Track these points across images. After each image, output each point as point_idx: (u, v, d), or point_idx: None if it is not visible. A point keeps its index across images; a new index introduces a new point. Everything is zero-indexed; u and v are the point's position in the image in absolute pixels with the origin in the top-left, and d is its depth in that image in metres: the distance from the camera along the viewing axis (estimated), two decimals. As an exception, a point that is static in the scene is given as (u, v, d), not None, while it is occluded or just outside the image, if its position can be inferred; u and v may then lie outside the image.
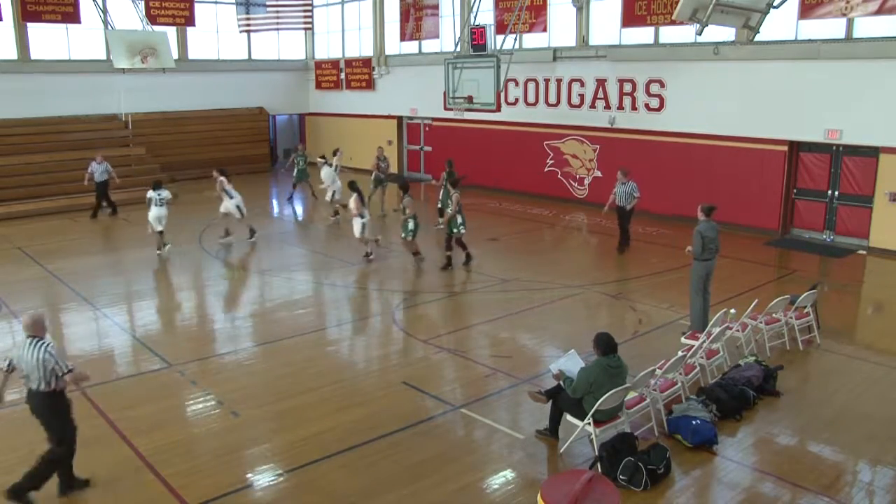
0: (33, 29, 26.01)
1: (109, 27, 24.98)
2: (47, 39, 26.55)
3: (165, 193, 17.04)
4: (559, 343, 11.44)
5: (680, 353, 9.08)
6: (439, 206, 19.01)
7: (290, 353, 11.17)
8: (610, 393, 7.49)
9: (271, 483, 7.61)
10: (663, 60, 19.80)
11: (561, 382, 7.94)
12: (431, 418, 8.89)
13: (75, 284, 14.66)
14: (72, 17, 25.25)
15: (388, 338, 11.98)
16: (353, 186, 16.54)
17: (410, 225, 15.32)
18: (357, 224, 16.04)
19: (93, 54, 27.35)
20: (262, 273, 15.70)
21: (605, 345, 7.69)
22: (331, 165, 21.17)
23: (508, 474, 7.69)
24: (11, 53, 26.00)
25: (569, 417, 7.96)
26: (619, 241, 16.94)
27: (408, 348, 11.38)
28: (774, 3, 13.26)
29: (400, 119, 28.90)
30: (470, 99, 20.52)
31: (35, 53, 26.43)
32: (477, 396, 9.41)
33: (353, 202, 16.04)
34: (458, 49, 22.28)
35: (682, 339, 10.70)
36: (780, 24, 16.79)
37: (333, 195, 20.86)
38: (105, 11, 25.07)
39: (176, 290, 14.91)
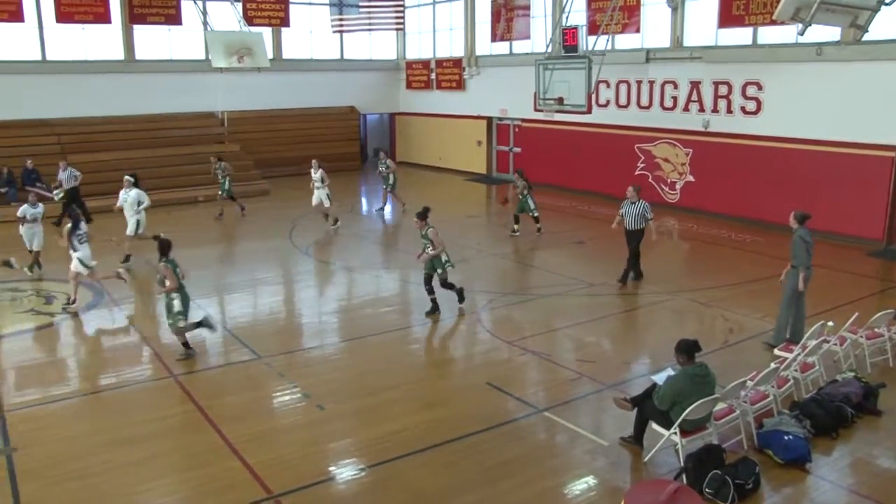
0: (138, 31, 27.14)
1: (208, 28, 25.86)
2: (151, 40, 27.67)
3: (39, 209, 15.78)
4: (646, 350, 11.26)
5: (773, 366, 8.78)
6: (517, 213, 18.74)
7: (375, 349, 11.33)
8: (697, 403, 7.32)
9: (353, 477, 7.73)
10: (761, 62, 19.20)
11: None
12: (514, 420, 8.85)
13: (172, 275, 15.17)
14: (174, 18, 26.29)
15: (472, 338, 12.00)
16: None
17: (444, 257, 12.65)
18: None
19: (192, 54, 28.33)
20: (349, 270, 15.94)
21: (687, 350, 7.51)
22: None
23: (590, 480, 7.60)
24: (118, 54, 27.21)
25: (654, 426, 7.81)
26: (625, 268, 14.42)
27: (492, 349, 11.37)
28: (887, 0, 12.62)
29: (489, 120, 28.89)
30: (560, 100, 20.35)
31: (139, 54, 27.58)
32: (560, 400, 9.33)
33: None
34: (550, 50, 22.12)
35: (776, 351, 10.35)
36: (890, 22, 16.01)
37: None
38: (205, 13, 25.97)
39: (265, 285, 15.27)
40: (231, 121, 28.55)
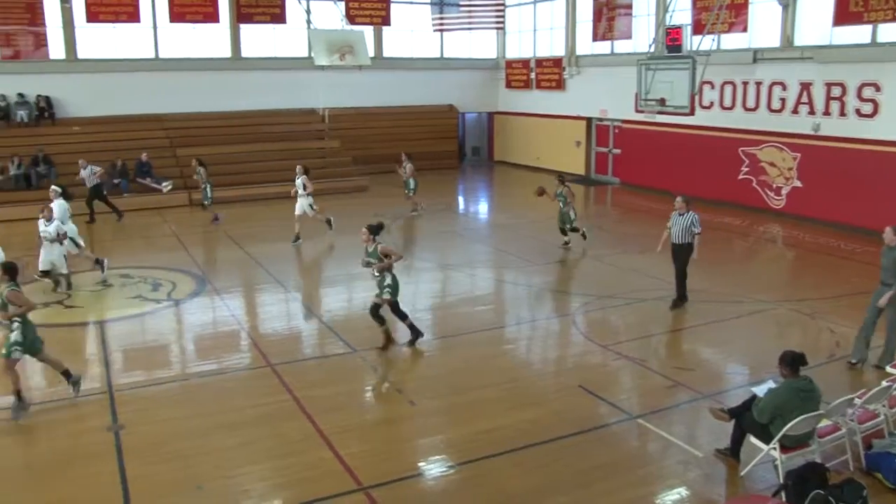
0: (245, 29, 28.04)
1: (312, 27, 26.46)
2: (257, 39, 28.52)
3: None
4: (746, 360, 10.90)
5: (884, 384, 8.33)
6: (560, 225, 17.28)
7: (468, 348, 11.35)
8: (801, 418, 7.01)
9: (442, 474, 7.76)
10: (880, 62, 18.25)
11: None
12: (606, 425, 8.72)
13: (270, 267, 15.60)
14: (279, 17, 27.16)
15: (566, 340, 11.88)
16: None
17: (388, 280, 11.00)
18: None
19: (296, 52, 29.03)
20: (444, 268, 16.01)
21: (793, 363, 7.21)
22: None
23: (683, 492, 7.40)
24: (226, 52, 28.16)
25: (752, 439, 7.53)
26: (677, 292, 13.11)
27: (586, 352, 11.22)
28: None
29: (589, 120, 28.54)
30: (662, 101, 19.92)
31: (245, 52, 28.46)
32: (654, 407, 9.12)
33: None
34: (652, 50, 21.67)
35: (888, 368, 9.82)
36: None
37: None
38: (308, 12, 26.59)
39: (360, 280, 15.43)
40: (332, 117, 29.12)
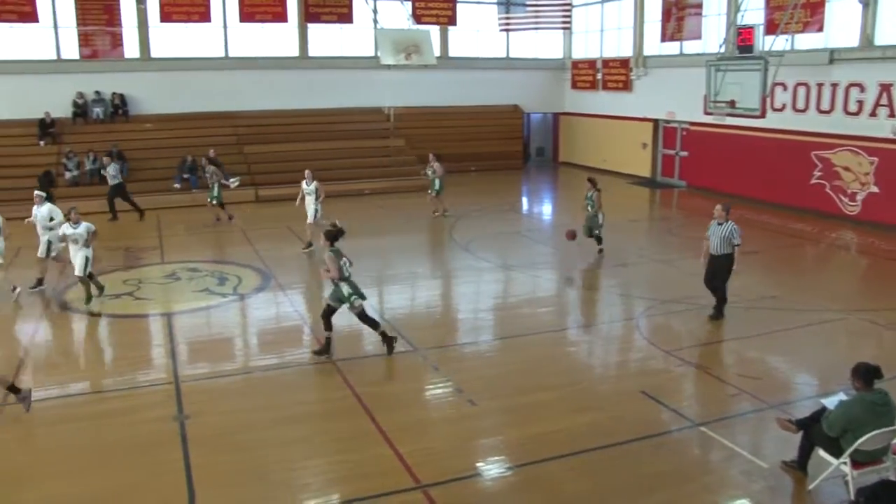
0: (312, 29, 28.42)
1: (378, 26, 26.68)
2: (324, 38, 28.87)
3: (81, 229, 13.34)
4: (815, 371, 10.59)
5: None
6: (595, 232, 16.64)
7: (529, 349, 11.28)
8: (874, 433, 6.76)
9: (500, 475, 7.73)
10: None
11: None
12: (668, 432, 8.56)
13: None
14: (346, 17, 27.51)
15: (629, 344, 11.71)
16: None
17: (347, 289, 10.63)
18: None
19: (362, 52, 29.29)
20: (508, 268, 15.95)
21: (867, 375, 6.95)
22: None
23: (746, 503, 7.23)
24: (294, 51, 28.57)
25: (821, 453, 7.29)
26: (715, 305, 12.43)
27: (648, 357, 11.04)
28: None
29: (656, 122, 28.11)
30: (732, 103, 19.51)
31: (313, 51, 28.84)
32: (718, 416, 8.92)
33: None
34: (723, 50, 21.25)
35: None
36: None
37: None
38: (375, 11, 26.83)
39: (424, 278, 15.55)
40: (397, 116, 29.32)
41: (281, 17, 26.52)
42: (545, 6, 30.47)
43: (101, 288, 13.64)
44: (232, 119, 27.41)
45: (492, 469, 7.85)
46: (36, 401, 9.19)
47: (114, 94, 26.36)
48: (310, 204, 17.38)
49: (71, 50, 25.66)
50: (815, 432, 7.31)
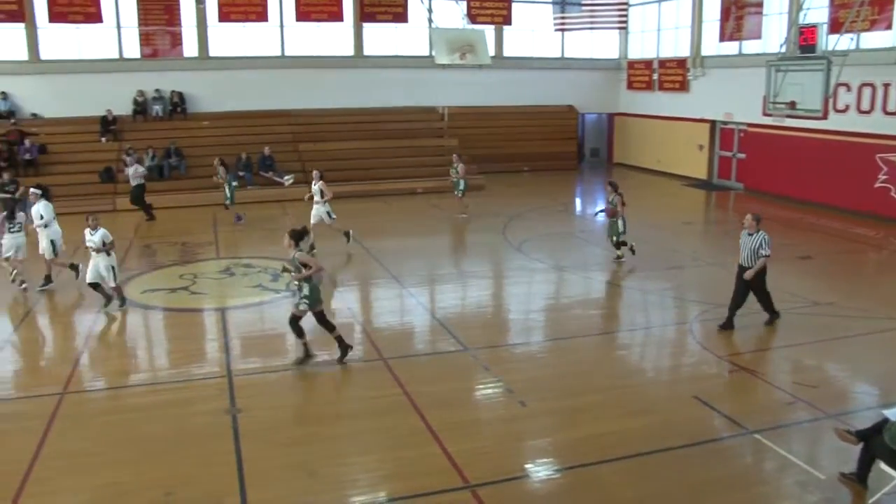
0: (368, 28, 28.63)
1: (433, 26, 26.73)
2: (379, 37, 29.06)
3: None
4: (876, 380, 10.29)
5: None
6: (613, 238, 16.13)
7: (580, 351, 11.21)
8: (939, 445, 6.55)
9: (549, 477, 7.70)
10: None
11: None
12: (720, 439, 8.41)
13: (386, 262, 15.84)
14: (401, 16, 27.67)
15: (681, 348, 11.53)
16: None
17: (305, 290, 10.26)
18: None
19: (417, 51, 29.38)
20: (560, 269, 15.83)
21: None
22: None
23: (802, 514, 7.07)
24: (349, 50, 28.82)
25: (882, 466, 7.07)
26: (768, 309, 12.00)
27: (702, 362, 10.86)
28: None
29: (713, 123, 27.63)
30: (792, 105, 19.05)
31: (368, 50, 29.05)
32: (773, 424, 8.72)
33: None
34: (784, 50, 20.75)
35: None
36: None
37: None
38: (430, 11, 26.89)
39: (475, 278, 15.51)
40: (451, 116, 29.37)
41: (337, 16, 26.77)
42: (601, 6, 30.18)
43: (108, 298, 12.89)
44: (287, 117, 27.75)
45: (540, 471, 7.81)
46: (94, 390, 9.45)
47: (173, 92, 26.93)
48: (317, 205, 17.03)
49: (132, 49, 26.29)
50: (877, 444, 7.08)
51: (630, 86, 31.99)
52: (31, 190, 14.41)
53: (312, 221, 16.86)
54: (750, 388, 9.96)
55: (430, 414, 8.82)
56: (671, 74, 29.23)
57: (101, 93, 25.62)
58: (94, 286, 12.77)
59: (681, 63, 28.62)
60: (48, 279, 14.16)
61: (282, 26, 27.75)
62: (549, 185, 27.06)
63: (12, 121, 24.93)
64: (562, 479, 7.63)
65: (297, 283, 10.35)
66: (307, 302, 10.20)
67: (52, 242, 14.00)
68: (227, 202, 20.58)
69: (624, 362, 11.10)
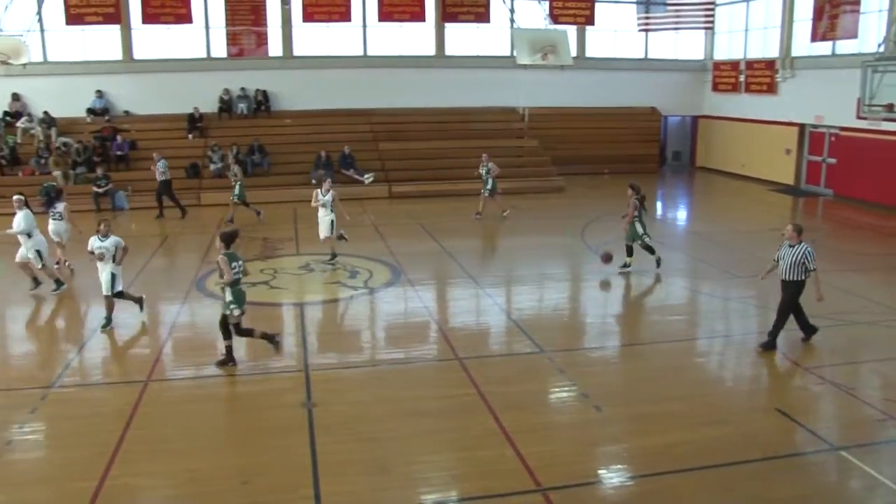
0: (449, 28, 28.77)
1: (515, 26, 26.63)
2: (460, 37, 29.16)
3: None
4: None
5: None
6: (627, 241, 15.36)
7: (658, 357, 10.98)
8: None
9: (621, 484, 7.59)
10: None
11: None
12: (801, 454, 8.12)
13: (464, 262, 15.84)
14: (483, 16, 27.64)
15: (764, 358, 11.15)
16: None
17: (228, 295, 10.08)
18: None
19: (498, 51, 29.33)
20: (638, 274, 15.52)
21: None
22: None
23: (889, 537, 6.76)
24: (430, 50, 28.98)
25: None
26: (771, 332, 11.09)
27: (785, 373, 10.53)
28: None
29: (802, 127, 26.73)
30: (890, 107, 18.30)
31: (449, 49, 29.16)
32: (860, 441, 8.34)
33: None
34: (882, 50, 19.94)
35: None
36: None
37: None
38: (512, 11, 26.79)
39: (553, 280, 15.36)
40: (531, 117, 29.22)
41: (419, 16, 26.92)
42: (687, 5, 29.52)
43: (138, 301, 12.43)
44: (368, 116, 28.07)
45: (613, 478, 7.70)
46: (175, 379, 9.73)
47: (257, 90, 27.60)
48: (324, 216, 15.74)
49: (219, 49, 27.07)
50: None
51: (715, 87, 31.20)
52: (15, 197, 13.95)
53: (323, 235, 15.89)
54: (836, 402, 9.57)
55: (503, 415, 8.78)
56: (759, 76, 28.40)
57: (188, 91, 26.49)
58: (119, 295, 12.03)
59: (769, 64, 27.78)
60: (58, 283, 13.91)
61: (364, 26, 28.11)
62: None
63: (106, 118, 26.00)
64: (634, 486, 7.49)
65: (220, 287, 10.22)
66: (235, 305, 10.03)
67: (39, 252, 13.63)
68: (235, 199, 20.22)
69: (702, 370, 10.84)
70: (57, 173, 22.51)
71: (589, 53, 30.48)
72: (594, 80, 30.01)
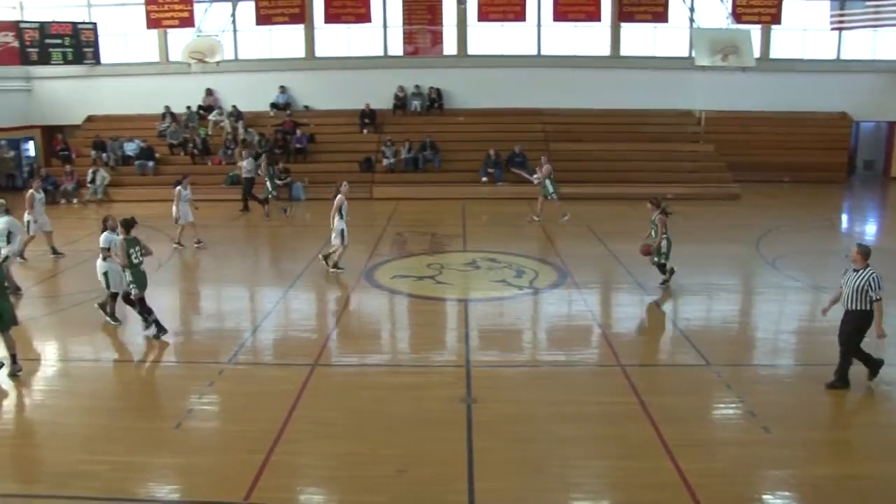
0: (626, 28, 28.23)
1: (695, 25, 25.71)
2: (636, 37, 28.57)
3: None
4: None
5: None
6: (655, 260, 14.27)
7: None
8: None
9: (792, 512, 7.15)
10: None
11: None
12: None
13: (631, 267, 15.51)
14: (661, 16, 26.83)
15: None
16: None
17: (128, 276, 11.32)
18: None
19: (675, 52, 28.49)
20: (817, 290, 14.55)
21: None
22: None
23: None
24: (605, 50, 28.58)
25: None
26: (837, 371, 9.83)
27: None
28: None
29: None
30: None
31: (625, 50, 28.63)
32: None
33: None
34: None
35: None
36: None
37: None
38: (692, 10, 25.87)
39: (723, 291, 14.67)
40: (708, 120, 28.13)
41: (594, 16, 26.58)
42: (888, 0, 27.33)
43: (115, 318, 12.04)
44: (540, 116, 28.04)
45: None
46: (341, 365, 10.22)
47: (431, 88, 28.27)
48: (338, 222, 14.95)
49: (396, 47, 27.94)
50: None
51: (918, 91, 28.70)
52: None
53: (334, 242, 15.22)
54: None
55: (664, 427, 8.51)
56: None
57: (365, 88, 27.61)
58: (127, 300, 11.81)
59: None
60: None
61: (539, 25, 28.11)
62: (812, 198, 25.06)
63: (287, 112, 27.52)
64: (807, 517, 7.06)
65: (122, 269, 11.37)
66: (135, 286, 11.28)
67: (6, 257, 12.77)
68: (270, 195, 21.61)
69: (886, 398, 10.01)
70: (243, 164, 23.82)
71: (773, 54, 28.92)
72: (778, 82, 28.41)
